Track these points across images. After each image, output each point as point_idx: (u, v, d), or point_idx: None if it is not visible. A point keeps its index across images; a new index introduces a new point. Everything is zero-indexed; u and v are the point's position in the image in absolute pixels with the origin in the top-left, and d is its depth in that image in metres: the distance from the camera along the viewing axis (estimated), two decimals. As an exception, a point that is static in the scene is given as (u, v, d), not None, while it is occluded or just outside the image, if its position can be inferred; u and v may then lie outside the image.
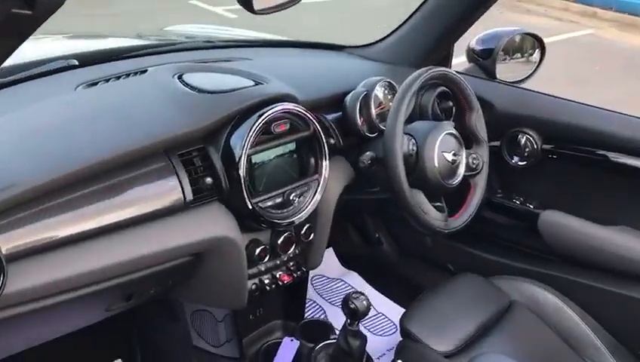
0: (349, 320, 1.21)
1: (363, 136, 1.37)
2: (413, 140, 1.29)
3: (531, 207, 1.63)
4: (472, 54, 1.76)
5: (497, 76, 1.70)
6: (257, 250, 1.21)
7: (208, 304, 1.34)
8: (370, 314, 1.87)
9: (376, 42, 1.79)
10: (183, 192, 1.07)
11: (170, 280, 1.19)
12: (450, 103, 1.61)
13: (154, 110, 1.14)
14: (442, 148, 1.31)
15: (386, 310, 1.88)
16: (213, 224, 1.12)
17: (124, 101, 1.16)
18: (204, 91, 1.18)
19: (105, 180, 0.99)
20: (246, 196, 1.12)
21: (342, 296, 1.91)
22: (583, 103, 1.56)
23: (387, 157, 1.24)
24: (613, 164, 1.49)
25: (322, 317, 1.83)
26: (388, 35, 1.76)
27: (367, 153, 1.33)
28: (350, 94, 1.38)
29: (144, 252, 1.02)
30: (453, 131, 1.35)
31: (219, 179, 1.12)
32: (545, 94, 1.59)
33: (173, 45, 1.56)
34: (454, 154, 1.33)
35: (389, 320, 1.86)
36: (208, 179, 1.10)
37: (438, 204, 1.36)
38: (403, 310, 1.84)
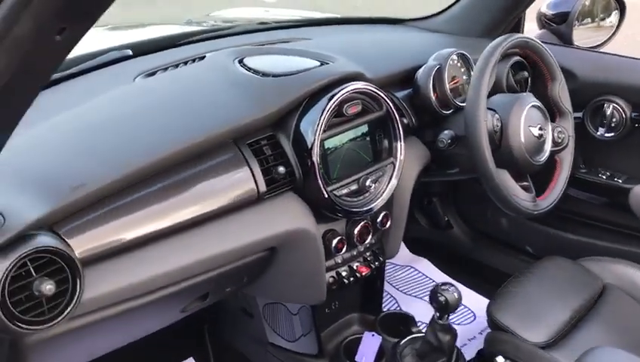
0: (438, 314, 1.12)
1: (438, 113, 1.27)
2: (497, 115, 1.19)
3: (620, 181, 1.50)
4: (543, 20, 1.63)
5: (574, 42, 1.57)
6: (334, 241, 1.13)
7: (285, 300, 1.27)
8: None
9: (437, 14, 1.68)
10: (256, 183, 1.00)
11: (246, 277, 1.12)
12: (526, 74, 1.49)
13: (218, 98, 1.07)
14: (528, 122, 1.20)
15: (464, 298, 1.78)
16: (289, 216, 1.05)
17: (186, 90, 1.10)
18: (269, 74, 1.10)
19: (174, 175, 0.93)
20: (321, 184, 1.04)
21: (413, 284, 1.85)
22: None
23: (470, 134, 1.14)
24: None
25: (395, 307, 1.75)
26: (450, 6, 1.65)
27: (446, 132, 1.23)
28: (421, 69, 1.28)
29: (220, 249, 0.95)
30: (538, 103, 1.24)
31: (291, 167, 1.04)
32: (630, 57, 1.46)
33: (227, 29, 1.49)
34: (540, 129, 1.22)
35: (467, 308, 1.75)
36: (281, 169, 1.02)
37: (525, 183, 1.25)
38: (479, 297, 1.76)
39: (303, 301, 1.23)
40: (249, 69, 1.12)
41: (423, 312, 1.71)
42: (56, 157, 0.88)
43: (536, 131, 1.21)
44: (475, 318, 1.71)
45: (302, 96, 1.06)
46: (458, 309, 1.73)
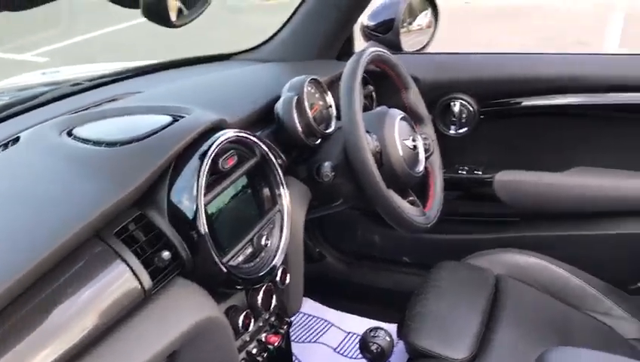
0: (370, 364, 1.00)
1: (307, 145, 1.17)
2: (373, 135, 1.12)
3: (480, 173, 1.53)
4: (368, 32, 1.62)
5: (404, 48, 1.58)
6: (240, 319, 0.96)
7: None
8: (339, 338, 1.68)
9: (264, 43, 1.58)
10: (139, 279, 0.80)
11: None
12: (371, 88, 1.47)
13: (57, 185, 0.84)
14: (401, 136, 1.16)
15: (355, 327, 1.70)
16: (188, 307, 0.85)
17: (10, 185, 0.85)
18: (114, 143, 0.90)
19: (36, 295, 0.69)
20: (216, 259, 0.87)
21: (305, 329, 1.72)
22: (503, 53, 1.49)
23: (357, 160, 1.05)
24: (552, 107, 1.44)
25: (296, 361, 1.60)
26: (276, 33, 1.56)
27: (326, 164, 1.12)
28: (280, 102, 1.16)
29: None
30: (404, 115, 1.20)
31: (175, 248, 0.86)
32: (466, 53, 1.50)
33: (33, 99, 1.22)
34: (413, 140, 1.18)
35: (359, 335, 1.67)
36: (165, 254, 0.83)
37: (411, 198, 1.21)
38: (374, 321, 1.69)
39: None
40: (84, 140, 0.91)
41: (323, 357, 1.60)
42: None
43: (410, 143, 1.17)
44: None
45: (167, 161, 0.88)
46: (354, 340, 1.66)
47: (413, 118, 1.28)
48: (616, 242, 1.43)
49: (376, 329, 1.00)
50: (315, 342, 1.66)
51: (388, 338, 0.99)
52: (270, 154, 1.03)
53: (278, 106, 1.16)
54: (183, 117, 0.98)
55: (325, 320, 1.73)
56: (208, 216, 0.89)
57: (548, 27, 5.99)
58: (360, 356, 1.60)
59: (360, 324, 1.70)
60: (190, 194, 0.86)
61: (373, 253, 1.77)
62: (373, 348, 0.98)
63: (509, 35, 5.76)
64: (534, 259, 1.41)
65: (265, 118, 1.16)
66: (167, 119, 0.97)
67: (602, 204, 1.44)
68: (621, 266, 1.42)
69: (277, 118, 1.15)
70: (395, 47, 1.57)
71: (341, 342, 1.65)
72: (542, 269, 1.40)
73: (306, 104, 1.15)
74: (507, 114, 1.48)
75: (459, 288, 1.33)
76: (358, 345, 1.63)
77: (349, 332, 1.69)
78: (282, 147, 1.16)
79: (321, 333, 1.68)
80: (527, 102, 1.45)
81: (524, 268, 1.40)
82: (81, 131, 0.94)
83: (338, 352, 1.62)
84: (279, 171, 1.04)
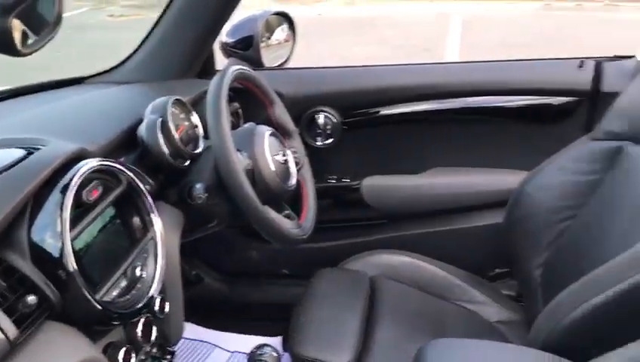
0: (261, 382, 1.00)
1: (176, 168, 1.14)
2: (244, 153, 1.12)
3: (348, 181, 1.59)
4: (228, 49, 1.63)
5: (265, 63, 1.60)
6: (120, 356, 0.91)
7: None
8: (224, 358, 1.66)
9: (119, 65, 1.53)
10: (2, 330, 0.73)
11: None
12: (237, 105, 1.47)
13: None
14: (272, 151, 1.17)
15: (239, 346, 1.68)
16: (62, 352, 0.80)
17: None
18: None
19: None
20: (89, 296, 0.82)
21: (188, 353, 1.68)
22: (360, 66, 1.56)
23: (229, 180, 1.05)
24: (407, 114, 1.54)
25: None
26: (132, 54, 1.51)
27: (198, 186, 1.11)
28: (143, 126, 1.13)
29: None
30: (272, 130, 1.22)
31: (41, 291, 0.80)
32: (325, 67, 1.56)
33: None
34: (283, 155, 1.20)
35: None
36: (30, 298, 0.77)
37: (286, 212, 1.22)
38: (258, 337, 1.69)
39: None
40: None
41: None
42: None
43: (281, 158, 1.19)
44: None
45: (24, 199, 0.82)
46: (243, 359, 1.64)
47: (281, 133, 1.30)
48: (473, 234, 1.56)
49: (261, 346, 1.01)
50: (200, 366, 1.62)
51: (274, 354, 1.00)
52: (137, 181, 0.99)
53: (142, 130, 1.12)
54: (38, 149, 0.92)
55: (208, 343, 1.69)
56: (76, 252, 0.84)
57: (397, 36, 6.37)
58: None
59: (244, 342, 1.69)
60: (54, 231, 0.81)
61: (252, 269, 1.77)
62: (262, 367, 0.99)
63: (364, 46, 6.05)
64: (403, 258, 1.49)
65: (128, 143, 1.12)
66: (21, 153, 0.90)
67: (458, 200, 1.56)
68: (479, 256, 1.55)
69: (141, 142, 1.12)
70: (257, 63, 1.59)
71: (226, 363, 1.63)
72: (411, 266, 1.48)
73: (172, 126, 1.13)
74: (368, 123, 1.55)
75: (337, 294, 1.38)
76: (244, 363, 1.63)
77: (233, 352, 1.67)
78: (149, 171, 1.12)
79: (205, 356, 1.65)
80: (385, 111, 1.54)
81: (395, 267, 1.48)
82: None
83: (222, 373, 1.60)
84: (148, 198, 1.00)
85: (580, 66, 1.44)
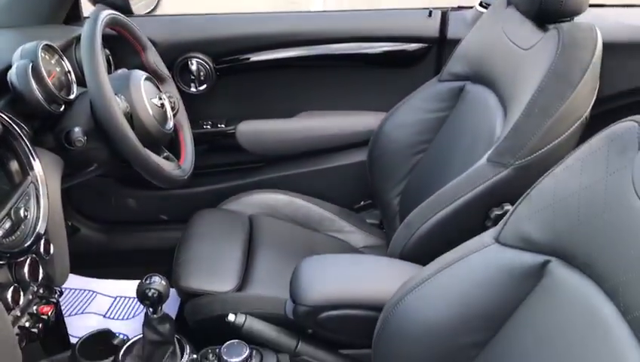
0: (151, 309, 1.07)
1: (50, 113, 1.14)
2: (121, 96, 1.15)
3: (223, 126, 1.66)
4: (94, -4, 1.60)
5: (134, 11, 1.60)
6: (9, 295, 0.94)
7: None
8: (107, 304, 1.69)
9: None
10: None
11: None
12: (107, 52, 1.47)
13: None
14: (148, 95, 1.21)
15: (122, 291, 1.71)
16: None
17: None
18: None
19: None
20: (-26, 236, 0.84)
21: (69, 302, 1.68)
22: (231, 13, 1.61)
23: (109, 123, 1.08)
24: (276, 61, 1.62)
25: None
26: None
27: (77, 129, 1.12)
28: (13, 71, 1.11)
29: None
30: (147, 75, 1.25)
31: None
32: (196, 15, 1.59)
33: None
34: (159, 98, 1.25)
35: (131, 298, 1.70)
36: None
37: (165, 154, 1.28)
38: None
39: None
40: None
41: (95, 324, 1.60)
42: None
43: (157, 102, 1.23)
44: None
45: None
46: (124, 303, 1.69)
47: (155, 78, 1.33)
48: (340, 172, 1.70)
49: (150, 276, 1.06)
50: (83, 312, 1.64)
51: (163, 282, 1.06)
52: (13, 125, 1.00)
53: (12, 75, 1.11)
54: None
55: (89, 291, 1.71)
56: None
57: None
58: (130, 316, 1.65)
59: (125, 287, 1.73)
60: None
61: (130, 218, 1.79)
62: (150, 293, 1.05)
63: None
64: (279, 196, 1.60)
65: None
66: None
67: (326, 141, 1.69)
68: (347, 191, 1.70)
69: (12, 87, 1.10)
70: (125, 10, 1.58)
71: (110, 308, 1.66)
72: (286, 203, 1.60)
73: (43, 71, 1.13)
74: (240, 69, 1.62)
75: (218, 231, 1.46)
76: (127, 308, 1.67)
77: (115, 297, 1.71)
78: (22, 118, 1.12)
79: (87, 303, 1.67)
80: (255, 57, 1.61)
81: (272, 205, 1.59)
82: None
83: (108, 317, 1.63)
84: (26, 141, 1.01)
85: (429, 15, 1.60)
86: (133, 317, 1.63)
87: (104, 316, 1.64)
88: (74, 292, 1.70)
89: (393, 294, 0.91)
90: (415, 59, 1.64)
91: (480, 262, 0.82)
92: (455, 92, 1.40)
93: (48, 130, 1.16)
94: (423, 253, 1.09)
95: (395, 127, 1.46)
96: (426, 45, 1.62)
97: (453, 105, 1.40)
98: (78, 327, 1.55)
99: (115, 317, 1.63)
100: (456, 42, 1.46)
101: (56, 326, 1.21)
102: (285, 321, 1.15)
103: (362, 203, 1.72)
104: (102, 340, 1.25)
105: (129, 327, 1.58)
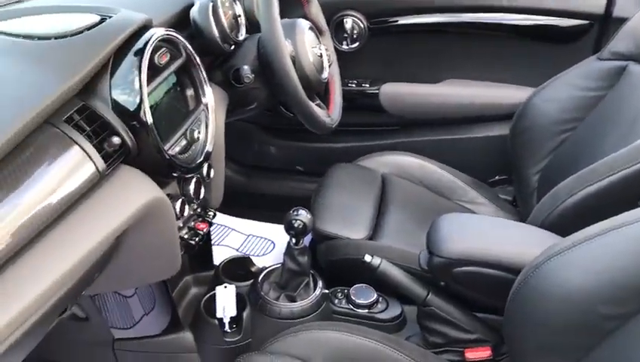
0: (294, 240, 1.15)
1: (222, 51, 1.24)
2: (289, 40, 1.22)
3: (367, 86, 1.70)
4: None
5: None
6: (177, 206, 1.05)
7: (133, 283, 1.13)
8: (240, 240, 1.82)
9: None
10: (94, 162, 0.86)
11: (96, 274, 0.97)
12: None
13: None
14: (310, 44, 1.28)
15: (254, 230, 1.84)
16: (139, 188, 0.93)
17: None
18: (48, 37, 0.92)
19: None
20: (161, 146, 0.95)
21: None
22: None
23: (278, 62, 1.16)
24: (426, 25, 1.63)
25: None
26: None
27: (245, 67, 1.21)
28: (196, 8, 1.21)
29: (89, 244, 0.81)
30: (310, 25, 1.32)
31: (121, 136, 0.92)
32: None
33: None
34: (319, 48, 1.31)
35: (264, 238, 1.82)
36: (115, 139, 0.89)
37: (317, 102, 1.34)
38: (271, 224, 1.84)
39: (156, 277, 1.13)
40: (14, 35, 0.92)
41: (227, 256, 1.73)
42: None
43: (317, 51, 1.29)
44: (274, 246, 1.79)
45: (108, 54, 0.93)
46: (257, 242, 1.80)
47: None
48: (478, 143, 1.69)
49: (297, 209, 1.14)
50: (219, 245, 1.78)
51: (309, 216, 1.13)
52: (194, 54, 1.10)
53: (195, 12, 1.21)
54: (110, 16, 1.01)
55: (226, 226, 1.84)
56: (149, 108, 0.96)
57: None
58: (260, 254, 1.76)
59: (257, 228, 1.85)
60: (132, 86, 0.92)
61: (269, 164, 1.90)
62: (296, 224, 1.13)
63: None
64: (413, 159, 1.63)
65: (180, 23, 1.21)
66: (96, 18, 1.00)
67: (467, 111, 1.68)
68: (482, 163, 1.69)
69: (193, 23, 1.21)
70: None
71: (242, 243, 1.79)
72: (419, 167, 1.62)
73: (221, 11, 1.22)
74: (392, 31, 1.65)
75: (352, 184, 1.52)
76: (257, 246, 1.78)
77: (248, 235, 1.83)
78: (197, 52, 1.23)
79: (223, 237, 1.80)
80: (408, 20, 1.63)
81: (404, 167, 1.62)
82: (5, 27, 0.95)
83: (240, 251, 1.76)
84: (203, 71, 1.11)
85: None
86: (263, 255, 1.75)
87: (237, 249, 1.76)
88: (212, 226, 1.84)
89: (534, 258, 0.91)
90: (572, 36, 1.58)
91: (637, 234, 0.81)
92: (616, 71, 1.34)
93: (218, 67, 1.26)
94: (566, 224, 1.07)
95: (545, 101, 1.43)
96: (587, 22, 1.55)
97: (612, 84, 1.34)
98: (213, 256, 1.68)
99: (246, 253, 1.75)
100: (621, 21, 1.40)
101: (205, 246, 1.32)
102: (414, 274, 1.18)
103: (496, 177, 1.70)
104: (242, 265, 1.36)
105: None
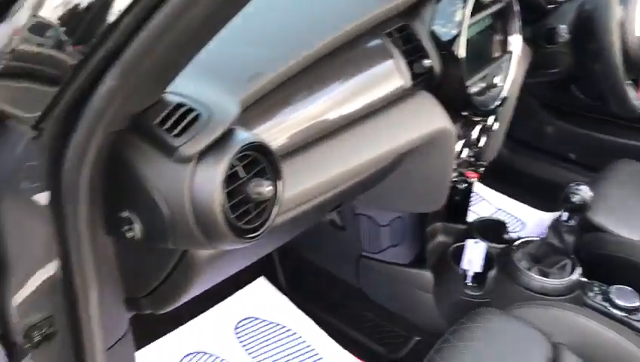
0: (567, 214, 1.08)
1: (541, 7, 1.19)
2: (621, 5, 1.13)
3: None
4: None
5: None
6: (458, 145, 1.06)
7: (398, 207, 1.18)
8: (490, 211, 1.77)
9: None
10: (402, 78, 0.90)
11: (369, 185, 1.03)
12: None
13: None
14: (640, 14, 1.15)
15: (504, 206, 1.77)
16: (432, 114, 0.96)
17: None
18: None
19: (328, 65, 0.81)
20: (465, 80, 0.95)
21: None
22: None
23: (602, 25, 1.08)
24: None
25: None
26: None
27: (563, 27, 1.16)
28: None
29: (371, 155, 0.86)
30: None
31: (431, 62, 0.94)
32: None
33: None
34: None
35: (514, 217, 1.75)
36: (426, 62, 0.92)
37: (629, 82, 1.22)
38: (525, 206, 1.75)
39: (419, 208, 1.16)
40: None
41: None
42: (226, 47, 0.74)
43: None
44: (524, 227, 1.71)
45: None
46: (506, 217, 1.74)
47: None
48: None
49: (578, 183, 1.07)
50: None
51: (590, 193, 1.05)
52: (514, 2, 1.07)
53: None
54: None
55: (477, 194, 1.81)
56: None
57: None
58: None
59: (509, 204, 1.78)
60: (454, 17, 0.93)
61: (539, 144, 1.79)
62: (574, 198, 1.05)
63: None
64: None
65: None
66: None
67: None
68: None
69: None
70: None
71: (490, 216, 1.74)
72: None
73: None
74: None
75: (636, 183, 1.35)
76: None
77: (498, 209, 1.78)
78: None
79: (472, 204, 1.77)
80: None
81: None
82: None
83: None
84: (518, 20, 1.08)
85: None
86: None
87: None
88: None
89: None
90: None
91: None
92: None
93: (530, 23, 1.22)
94: None
95: None
96: None
97: None
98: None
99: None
100: None
101: (463, 200, 1.32)
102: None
103: None
104: (495, 229, 1.32)
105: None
